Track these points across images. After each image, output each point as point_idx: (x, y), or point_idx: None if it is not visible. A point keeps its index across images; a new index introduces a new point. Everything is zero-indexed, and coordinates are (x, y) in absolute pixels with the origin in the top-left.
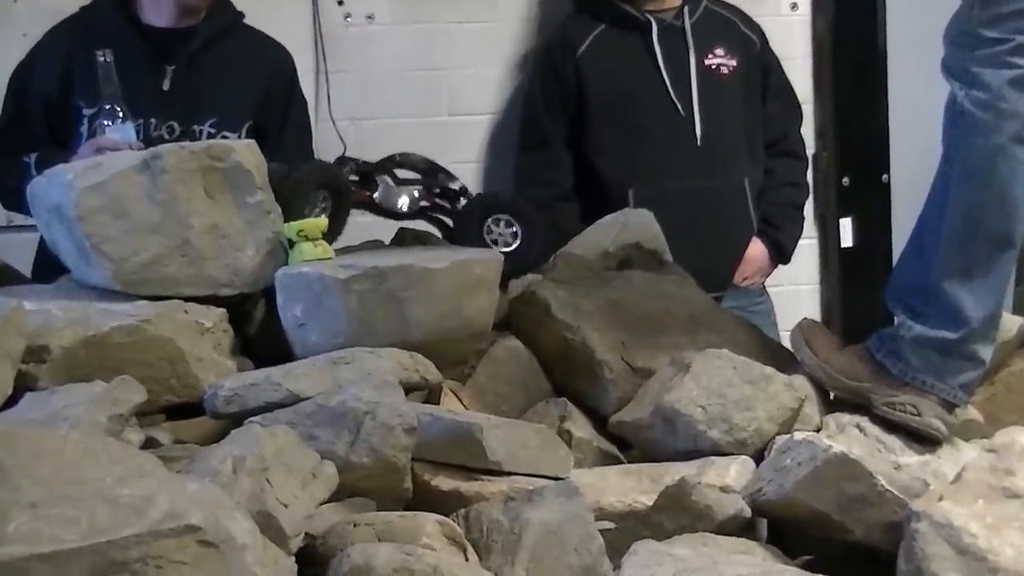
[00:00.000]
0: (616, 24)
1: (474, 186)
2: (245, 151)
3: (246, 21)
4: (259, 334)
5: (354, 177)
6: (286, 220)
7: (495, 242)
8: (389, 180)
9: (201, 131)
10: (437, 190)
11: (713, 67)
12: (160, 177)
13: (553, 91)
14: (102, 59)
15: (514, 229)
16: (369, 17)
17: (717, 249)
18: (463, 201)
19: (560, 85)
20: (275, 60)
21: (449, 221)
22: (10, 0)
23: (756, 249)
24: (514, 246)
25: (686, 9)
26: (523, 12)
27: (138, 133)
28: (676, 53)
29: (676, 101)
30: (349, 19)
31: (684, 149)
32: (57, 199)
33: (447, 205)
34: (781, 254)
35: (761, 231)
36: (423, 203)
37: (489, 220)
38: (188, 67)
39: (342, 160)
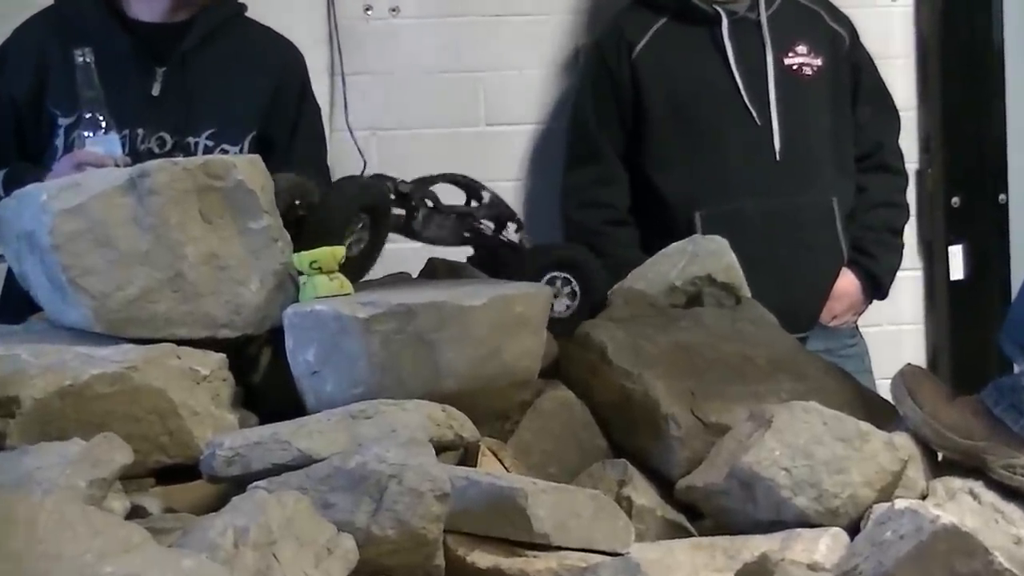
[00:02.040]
0: (679, 17)
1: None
2: (248, 168)
3: (249, 15)
4: (265, 383)
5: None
6: (314, 247)
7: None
8: (430, 204)
9: (197, 144)
10: (484, 222)
11: (794, 67)
12: (149, 198)
13: (606, 96)
14: (81, 60)
15: (572, 288)
16: (393, 10)
17: (800, 281)
18: (514, 235)
19: (614, 89)
20: (283, 60)
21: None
22: None
23: (847, 282)
24: (572, 308)
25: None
26: (573, 3)
27: (123, 146)
28: (750, 51)
29: (750, 107)
30: (369, 12)
31: (761, 163)
32: (28, 225)
33: (495, 240)
34: (877, 288)
35: (852, 260)
36: (466, 234)
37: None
38: (181, 69)
39: (377, 177)
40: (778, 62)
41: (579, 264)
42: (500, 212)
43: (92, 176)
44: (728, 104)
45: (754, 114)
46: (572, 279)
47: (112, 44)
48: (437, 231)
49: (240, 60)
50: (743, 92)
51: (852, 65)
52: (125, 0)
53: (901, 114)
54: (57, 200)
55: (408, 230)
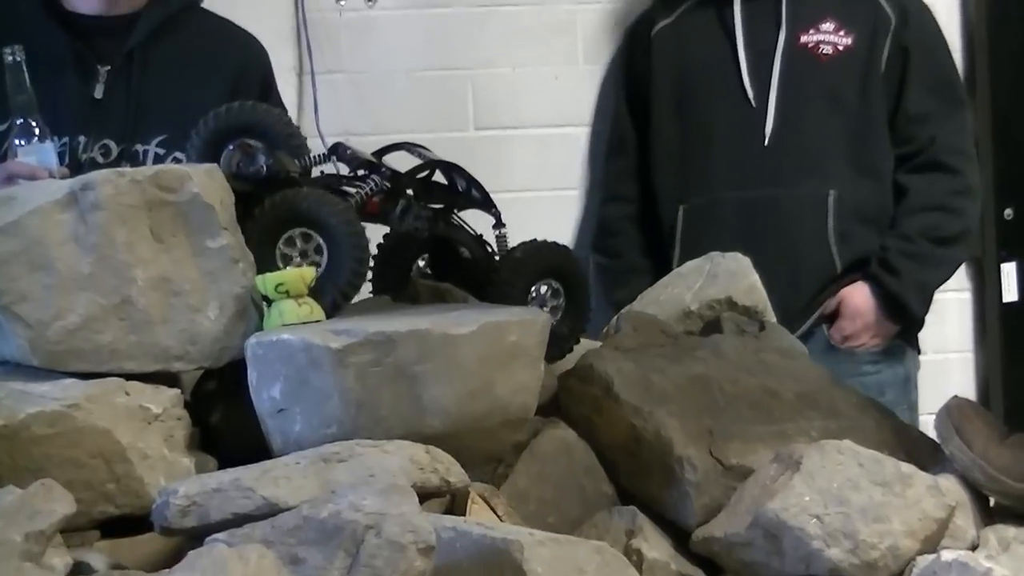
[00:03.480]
0: None
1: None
2: (205, 179)
3: (207, 7)
4: (224, 422)
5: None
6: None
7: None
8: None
9: (146, 152)
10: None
11: (810, 45)
12: (92, 214)
13: (628, 78)
14: (10, 59)
15: (562, 301)
16: (369, 1)
17: (779, 282)
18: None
19: (633, 70)
20: (242, 55)
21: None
22: None
23: (861, 299)
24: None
25: None
26: None
27: (62, 156)
28: (764, 28)
29: (749, 88)
30: (342, 3)
31: (748, 150)
32: None
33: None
34: (898, 309)
35: (872, 274)
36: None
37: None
38: (127, 68)
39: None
40: (791, 40)
41: (568, 272)
42: (477, 201)
43: (27, 189)
44: (726, 85)
45: (751, 96)
46: (562, 289)
47: (47, 41)
48: (413, 223)
49: (193, 57)
50: (744, 73)
51: (900, 48)
52: None
53: None
54: None
55: (384, 218)
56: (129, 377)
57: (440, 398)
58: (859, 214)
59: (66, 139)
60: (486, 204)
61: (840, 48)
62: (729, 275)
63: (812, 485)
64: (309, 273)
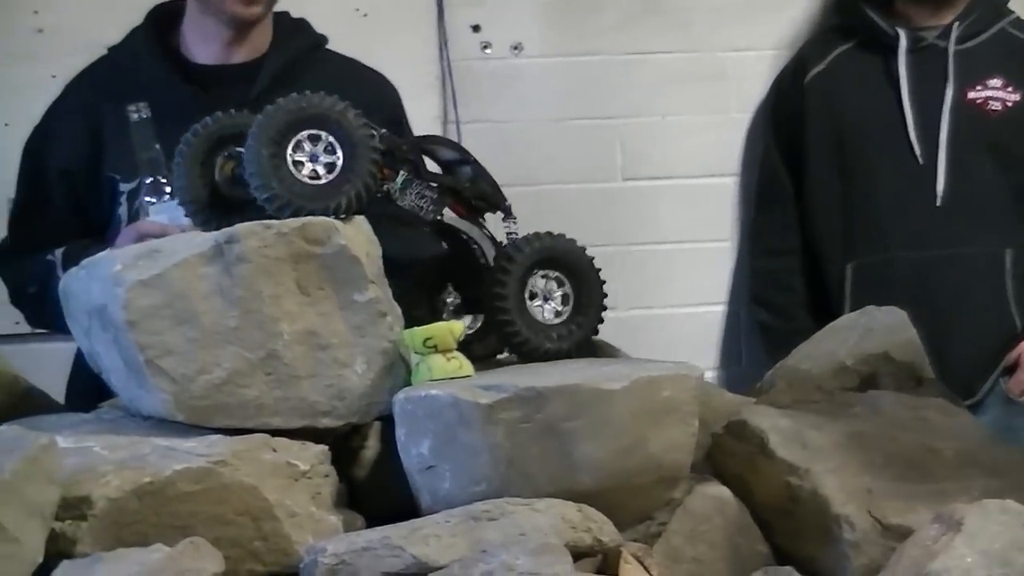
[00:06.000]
0: (864, 44)
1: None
2: (351, 231)
3: (348, 55)
4: (372, 479)
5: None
6: None
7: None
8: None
9: None
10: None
11: (978, 102)
12: (237, 267)
13: (780, 126)
14: (135, 117)
15: (565, 291)
16: (515, 48)
17: (960, 343)
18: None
19: (786, 118)
20: (372, 97)
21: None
22: (32, 30)
23: None
24: (563, 316)
25: (955, 26)
26: (723, 39)
27: None
28: (930, 82)
29: (916, 144)
30: (488, 51)
31: (918, 209)
32: (99, 298)
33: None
34: None
35: None
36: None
37: (537, 275)
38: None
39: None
40: (959, 96)
41: (572, 262)
42: (486, 192)
43: (171, 242)
44: (891, 140)
45: (918, 152)
46: (567, 280)
47: (171, 95)
48: (416, 200)
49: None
50: (911, 127)
51: None
52: (184, 43)
53: None
54: (132, 270)
55: (381, 192)
56: (275, 433)
57: (591, 455)
58: None
59: None
60: (494, 194)
61: (1009, 104)
62: (886, 330)
63: (974, 546)
64: (458, 328)
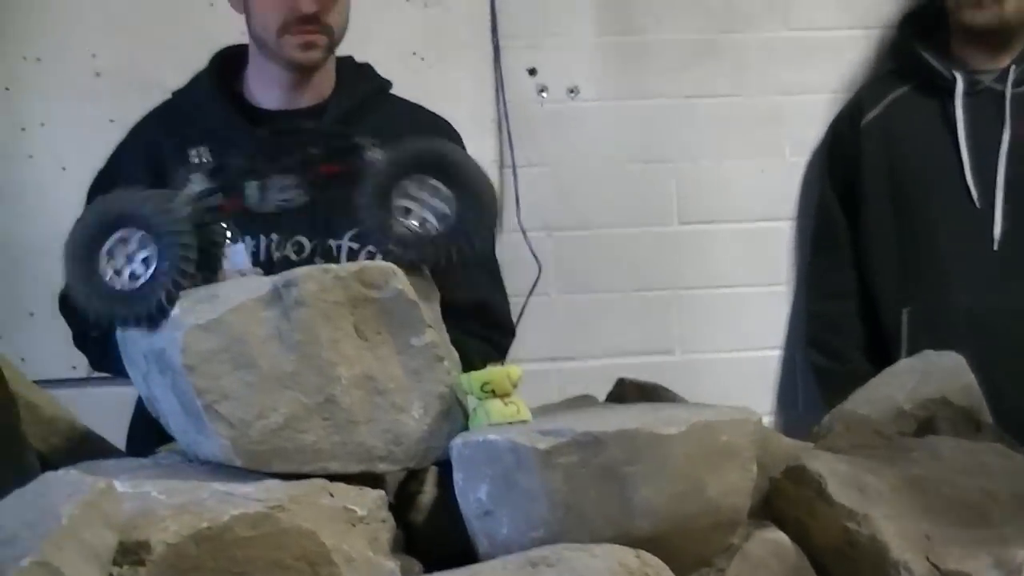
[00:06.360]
0: (920, 87)
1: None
2: (408, 276)
3: (398, 94)
4: (429, 524)
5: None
6: None
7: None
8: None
9: (339, 247)
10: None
11: None
12: (295, 311)
13: (836, 170)
14: (196, 160)
15: (442, 196)
16: (571, 91)
17: (1016, 387)
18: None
19: (843, 161)
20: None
21: None
22: (91, 73)
23: None
24: (446, 226)
25: (1012, 69)
26: (779, 82)
27: (254, 256)
28: (987, 125)
29: (973, 187)
30: (544, 95)
31: (975, 253)
32: (158, 342)
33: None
34: None
35: None
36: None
37: (404, 184)
38: None
39: None
40: (1016, 138)
41: (449, 163)
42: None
43: (229, 286)
44: (948, 184)
45: (975, 196)
46: (441, 184)
47: (234, 138)
48: (280, 195)
49: (384, 145)
50: (967, 170)
51: None
52: (248, 87)
53: None
54: (190, 314)
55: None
56: (332, 478)
57: (649, 500)
58: None
59: (258, 238)
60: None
61: None
62: (944, 374)
63: None
64: (516, 372)
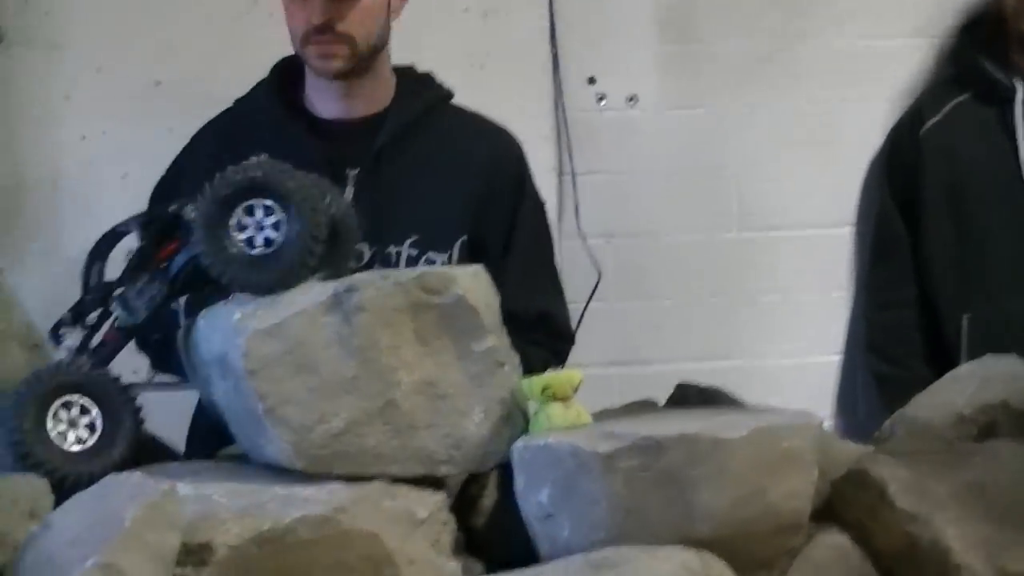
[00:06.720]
0: (980, 95)
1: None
2: (470, 281)
3: (463, 106)
4: (490, 527)
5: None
6: None
7: (249, 241)
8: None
9: (399, 254)
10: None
11: None
12: (356, 317)
13: (896, 177)
14: None
15: (275, 219)
16: (630, 99)
17: None
18: None
19: (903, 170)
20: (495, 151)
21: None
22: (150, 83)
23: None
24: (275, 245)
25: None
26: (842, 89)
27: None
28: None
29: None
30: (603, 102)
31: None
32: (220, 347)
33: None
34: None
35: None
36: None
37: (240, 208)
38: (376, 169)
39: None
40: None
41: (283, 189)
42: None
43: (291, 292)
44: (1007, 191)
45: None
46: (275, 207)
47: (294, 148)
48: (141, 300)
49: (444, 154)
50: None
51: None
52: (307, 97)
53: None
54: (252, 319)
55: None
56: (394, 481)
57: (710, 504)
58: None
59: None
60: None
61: None
62: (1004, 379)
63: None
64: (576, 376)
